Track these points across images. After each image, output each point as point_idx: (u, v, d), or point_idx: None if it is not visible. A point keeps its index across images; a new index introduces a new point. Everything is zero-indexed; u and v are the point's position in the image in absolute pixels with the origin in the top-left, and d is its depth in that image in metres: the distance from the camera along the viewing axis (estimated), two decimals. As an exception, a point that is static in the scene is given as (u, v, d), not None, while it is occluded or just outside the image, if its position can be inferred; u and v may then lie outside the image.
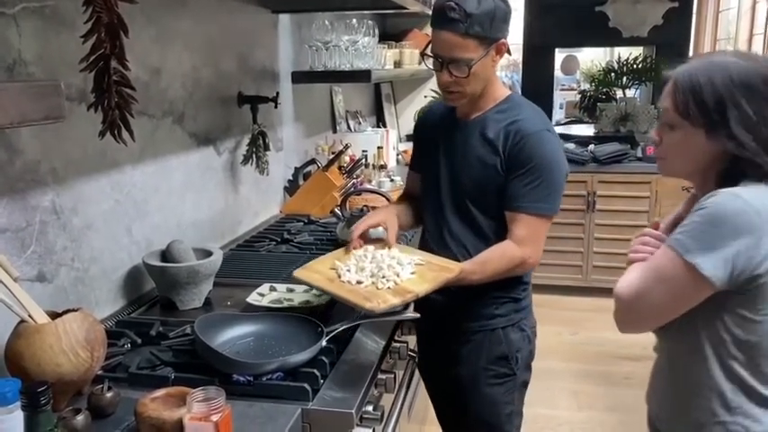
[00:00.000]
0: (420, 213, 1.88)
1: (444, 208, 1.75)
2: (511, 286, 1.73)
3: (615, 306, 1.28)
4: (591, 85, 5.15)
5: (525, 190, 1.61)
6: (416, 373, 1.82)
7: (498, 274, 1.63)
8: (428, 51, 1.65)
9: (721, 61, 1.23)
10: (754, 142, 1.18)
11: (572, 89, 6.66)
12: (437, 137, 1.79)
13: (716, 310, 1.20)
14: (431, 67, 1.67)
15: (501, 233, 1.66)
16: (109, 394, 1.21)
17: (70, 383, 1.20)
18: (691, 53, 5.22)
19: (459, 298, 1.71)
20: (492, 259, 1.62)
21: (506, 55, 1.67)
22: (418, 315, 1.59)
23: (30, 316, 1.21)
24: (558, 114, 5.93)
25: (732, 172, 1.20)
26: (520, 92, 4.97)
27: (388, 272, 1.50)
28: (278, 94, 2.48)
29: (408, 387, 1.72)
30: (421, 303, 1.57)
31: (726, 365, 1.22)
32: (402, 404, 1.62)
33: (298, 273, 1.58)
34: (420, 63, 4.07)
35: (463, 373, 1.77)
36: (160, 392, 1.19)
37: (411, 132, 4.59)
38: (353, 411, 1.24)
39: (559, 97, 6.21)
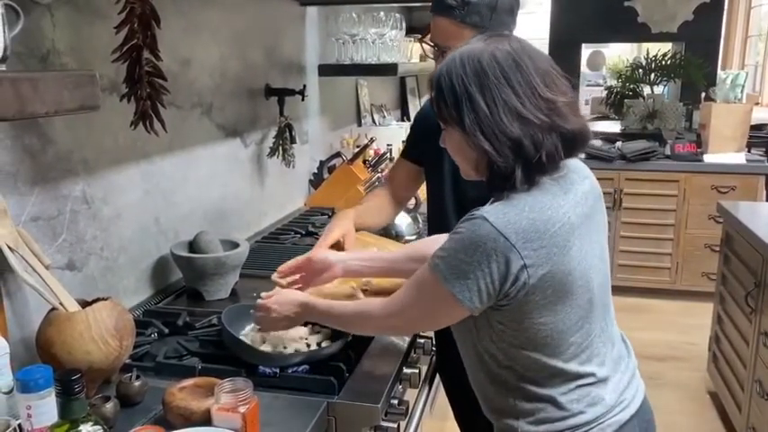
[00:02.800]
0: (396, 205, 1.87)
1: (446, 208, 1.71)
2: None
3: (372, 316, 1.23)
4: (618, 82, 5.08)
5: None
6: (441, 369, 1.81)
7: None
8: (427, 40, 1.60)
9: (461, 51, 1.09)
10: (488, 142, 1.04)
11: (598, 85, 6.59)
12: (439, 132, 1.76)
13: (475, 322, 1.13)
14: (430, 56, 1.63)
15: None
16: (137, 383, 1.22)
17: (99, 371, 1.22)
18: (721, 50, 5.14)
19: None
20: None
21: None
22: None
23: (61, 304, 1.23)
24: (584, 111, 5.87)
25: (489, 181, 1.09)
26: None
27: None
28: (305, 86, 2.48)
29: (432, 383, 1.71)
30: None
31: (491, 370, 1.17)
32: (426, 400, 1.61)
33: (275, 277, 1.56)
34: (423, 57, 4.05)
35: None
36: (188, 382, 1.19)
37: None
38: (379, 406, 1.24)
39: (585, 93, 6.15)
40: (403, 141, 3.43)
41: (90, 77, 0.95)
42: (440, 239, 1.23)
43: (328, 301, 1.34)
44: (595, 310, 1.14)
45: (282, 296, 1.36)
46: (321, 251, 1.53)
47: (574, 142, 1.09)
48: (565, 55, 5.13)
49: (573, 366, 1.12)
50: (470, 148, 1.08)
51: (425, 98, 4.52)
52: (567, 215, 1.07)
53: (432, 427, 2.23)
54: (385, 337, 1.52)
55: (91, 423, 0.87)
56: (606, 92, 5.11)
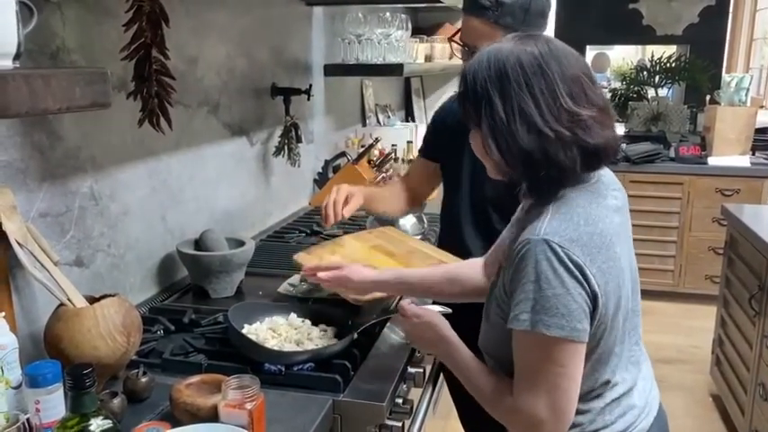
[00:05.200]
0: (409, 200, 1.87)
1: (461, 205, 1.71)
2: None
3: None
4: (622, 84, 5.09)
5: None
6: (443, 368, 1.82)
7: None
8: (457, 39, 1.58)
9: (489, 50, 1.04)
10: (499, 153, 1.01)
11: (602, 87, 6.58)
12: (462, 131, 1.77)
13: None
14: (458, 55, 1.61)
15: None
16: (144, 379, 1.22)
17: (106, 367, 1.22)
18: (726, 53, 5.14)
19: None
20: None
21: None
22: (449, 310, 1.58)
23: (69, 299, 1.23)
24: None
25: (527, 187, 1.07)
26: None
27: None
28: (311, 86, 2.49)
29: (435, 382, 1.72)
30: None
31: None
32: (429, 399, 1.62)
33: (297, 258, 1.61)
34: (451, 57, 4.05)
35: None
36: (195, 379, 1.20)
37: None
38: (384, 404, 1.24)
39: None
40: (408, 142, 3.47)
41: (101, 75, 0.95)
42: (476, 265, 1.23)
43: (468, 356, 1.17)
44: (634, 317, 1.13)
45: (426, 316, 1.25)
46: (359, 269, 1.44)
47: (597, 156, 1.04)
48: (569, 57, 5.12)
49: (613, 377, 1.10)
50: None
51: (446, 97, 4.56)
52: (612, 224, 1.05)
53: (435, 426, 2.24)
54: (388, 336, 1.53)
55: (101, 417, 0.87)
56: (610, 94, 5.11)
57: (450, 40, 1.63)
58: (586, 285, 0.98)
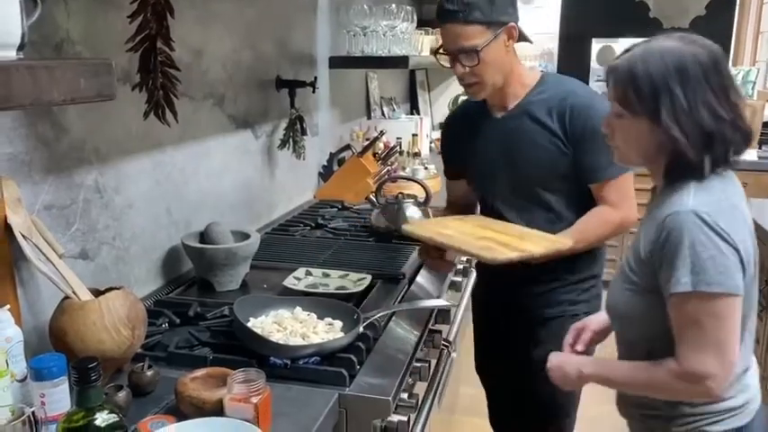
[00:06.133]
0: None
1: (504, 200, 1.76)
2: (588, 274, 1.79)
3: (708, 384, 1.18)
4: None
5: (604, 158, 1.60)
6: (449, 361, 1.81)
7: (601, 240, 1.70)
8: (441, 51, 1.68)
9: (659, 46, 1.19)
10: (683, 134, 1.14)
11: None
12: (474, 137, 1.79)
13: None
14: (446, 65, 1.69)
15: (573, 208, 1.70)
16: (149, 372, 1.22)
17: (111, 360, 1.22)
18: (732, 46, 5.10)
19: (539, 284, 1.77)
20: (591, 226, 1.67)
21: (530, 44, 1.73)
22: (455, 304, 1.58)
23: (74, 292, 1.23)
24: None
25: (671, 168, 1.19)
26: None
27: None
28: (316, 78, 2.47)
29: (441, 376, 1.71)
30: (501, 289, 1.75)
31: None
32: (435, 393, 1.61)
33: (407, 227, 1.64)
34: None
35: (541, 354, 1.76)
36: (200, 372, 1.20)
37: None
38: (390, 398, 1.23)
39: (595, 88, 6.11)
40: (413, 135, 3.45)
41: (106, 66, 0.94)
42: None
43: (614, 362, 1.32)
44: (751, 300, 1.21)
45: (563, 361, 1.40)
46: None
47: (747, 142, 1.20)
48: (575, 50, 5.11)
49: (738, 353, 1.17)
50: (651, 138, 1.18)
51: (450, 90, 4.50)
52: (743, 201, 1.20)
53: (440, 420, 2.23)
54: (394, 330, 1.52)
55: (107, 411, 0.87)
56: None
57: (436, 54, 1.73)
58: (735, 249, 1.12)
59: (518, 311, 1.82)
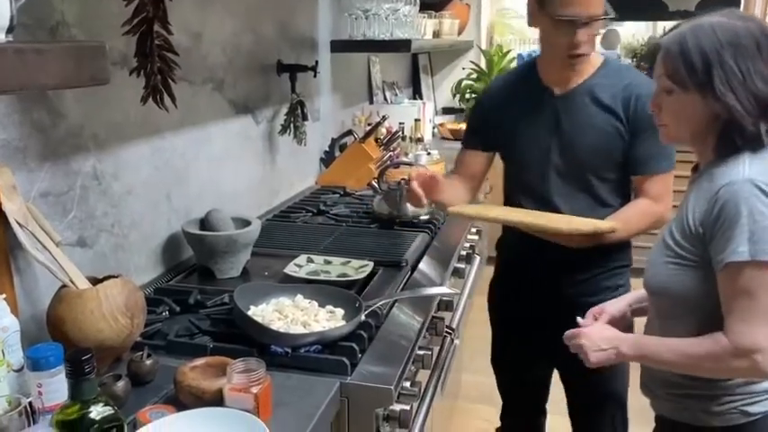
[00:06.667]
0: (469, 190, 1.86)
1: (549, 181, 1.73)
2: (622, 263, 1.80)
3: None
4: (632, 61, 5.00)
5: (655, 151, 1.63)
6: (452, 349, 1.79)
7: (640, 232, 1.68)
8: (561, 16, 1.59)
9: (709, 22, 1.21)
10: (738, 102, 1.15)
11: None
12: (520, 110, 1.75)
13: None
14: (561, 33, 1.62)
15: (617, 196, 1.71)
16: (148, 361, 1.21)
17: (110, 349, 1.20)
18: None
19: (582, 272, 1.76)
20: (634, 217, 1.66)
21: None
22: (458, 291, 1.56)
23: (71, 281, 1.21)
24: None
25: (725, 139, 1.20)
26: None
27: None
28: (317, 62, 2.44)
29: (444, 363, 1.69)
30: (543, 278, 1.76)
31: None
32: (438, 380, 1.60)
33: (453, 209, 1.68)
34: (460, 33, 3.96)
35: None
36: (200, 361, 1.18)
37: (448, 105, 4.56)
38: (392, 387, 1.22)
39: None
40: (416, 120, 3.42)
41: (99, 49, 0.92)
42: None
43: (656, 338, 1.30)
44: None
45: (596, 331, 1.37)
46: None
47: None
48: (580, 33, 5.04)
49: None
50: (703, 112, 1.19)
51: (454, 74, 4.43)
52: None
53: (442, 407, 2.22)
54: (397, 318, 1.50)
55: (102, 404, 0.85)
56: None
57: (558, 18, 1.62)
58: None
59: (558, 300, 1.78)
